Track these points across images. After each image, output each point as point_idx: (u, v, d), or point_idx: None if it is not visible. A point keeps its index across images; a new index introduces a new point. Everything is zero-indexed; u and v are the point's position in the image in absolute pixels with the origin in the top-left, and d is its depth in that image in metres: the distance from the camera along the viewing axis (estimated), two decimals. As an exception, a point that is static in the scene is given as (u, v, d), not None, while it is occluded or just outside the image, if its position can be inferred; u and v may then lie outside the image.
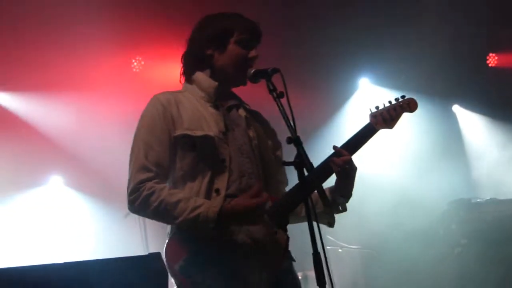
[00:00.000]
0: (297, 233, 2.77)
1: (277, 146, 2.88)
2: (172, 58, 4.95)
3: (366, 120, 2.76)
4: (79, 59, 6.03)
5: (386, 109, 2.76)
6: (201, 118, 2.64)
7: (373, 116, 2.74)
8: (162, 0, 5.99)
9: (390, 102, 2.78)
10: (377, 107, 2.77)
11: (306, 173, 2.28)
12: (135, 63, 6.57)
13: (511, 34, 7.55)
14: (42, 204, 6.43)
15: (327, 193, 2.66)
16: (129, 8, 5.80)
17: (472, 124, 8.20)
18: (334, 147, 2.60)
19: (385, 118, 2.74)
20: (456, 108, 8.22)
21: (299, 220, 2.76)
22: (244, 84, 2.71)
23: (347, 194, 2.67)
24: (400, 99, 2.78)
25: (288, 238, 2.64)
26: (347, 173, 2.60)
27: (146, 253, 2.22)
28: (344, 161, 2.53)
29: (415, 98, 2.75)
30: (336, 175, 2.60)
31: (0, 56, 5.88)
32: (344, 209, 2.71)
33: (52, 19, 5.73)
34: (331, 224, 2.71)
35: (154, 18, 5.91)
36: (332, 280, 2.18)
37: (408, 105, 2.79)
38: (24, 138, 6.32)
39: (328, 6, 6.55)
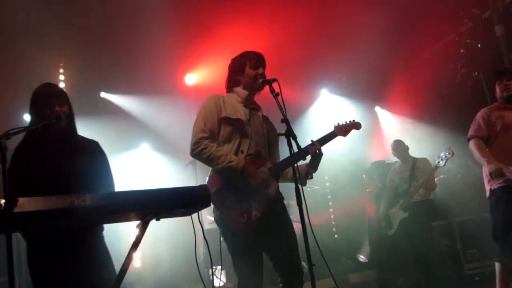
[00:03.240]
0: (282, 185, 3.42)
1: (275, 132, 3.53)
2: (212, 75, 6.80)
3: (331, 128, 3.47)
4: (153, 70, 7.41)
5: (344, 125, 3.47)
6: (236, 109, 3.31)
7: (336, 127, 3.47)
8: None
9: (345, 121, 3.50)
10: (338, 123, 3.49)
11: (292, 140, 2.92)
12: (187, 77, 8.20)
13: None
14: (134, 158, 7.97)
15: (304, 166, 3.35)
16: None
17: (387, 119, 9.61)
18: (312, 141, 3.28)
19: (342, 130, 3.46)
20: (377, 109, 9.72)
21: (284, 180, 3.44)
22: (259, 90, 3.41)
23: (316, 168, 3.33)
24: (353, 121, 3.50)
25: (278, 185, 3.36)
26: (318, 155, 3.27)
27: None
28: (318, 149, 3.25)
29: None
30: (312, 155, 3.26)
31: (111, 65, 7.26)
32: (311, 178, 3.35)
33: (142, 45, 6.89)
34: (303, 184, 3.28)
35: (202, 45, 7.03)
36: (306, 203, 2.79)
37: (355, 125, 3.50)
38: (126, 121, 7.96)
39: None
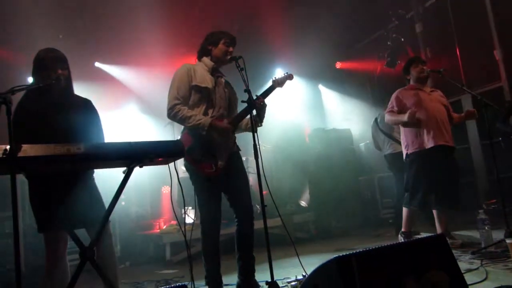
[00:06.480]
0: (242, 137, 3.40)
1: (235, 94, 3.45)
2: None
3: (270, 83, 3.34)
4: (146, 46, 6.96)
5: (280, 78, 3.35)
6: (204, 78, 3.20)
7: (273, 81, 3.34)
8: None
9: (282, 74, 3.39)
10: (275, 77, 3.34)
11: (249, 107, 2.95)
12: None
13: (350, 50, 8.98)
14: (123, 118, 7.42)
15: (254, 117, 3.07)
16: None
17: (328, 96, 9.61)
18: (256, 96, 3.14)
19: (278, 82, 3.33)
20: (321, 87, 9.67)
21: (241, 131, 3.39)
22: (224, 64, 3.32)
23: (263, 116, 3.18)
24: (286, 73, 3.39)
25: (235, 137, 3.32)
26: (263, 106, 3.18)
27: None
28: (262, 101, 3.15)
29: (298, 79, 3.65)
30: (256, 107, 3.07)
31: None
32: (261, 125, 3.17)
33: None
34: (261, 125, 3.18)
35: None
36: (261, 157, 2.79)
37: (289, 77, 3.38)
38: (115, 85, 7.62)
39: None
